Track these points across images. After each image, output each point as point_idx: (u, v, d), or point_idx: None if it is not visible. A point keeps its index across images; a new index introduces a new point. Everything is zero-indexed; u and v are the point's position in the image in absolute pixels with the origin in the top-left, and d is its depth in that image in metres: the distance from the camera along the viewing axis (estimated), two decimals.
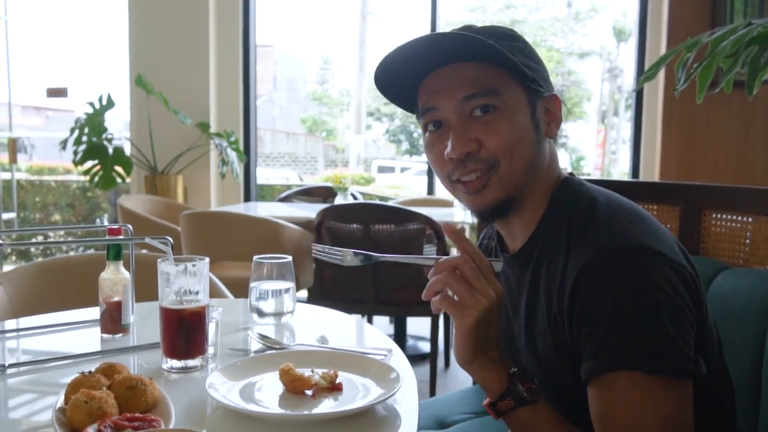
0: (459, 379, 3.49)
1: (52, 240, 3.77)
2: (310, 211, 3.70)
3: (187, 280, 1.09)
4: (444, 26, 5.20)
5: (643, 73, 1.72)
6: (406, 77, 0.98)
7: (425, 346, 3.81)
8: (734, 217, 1.45)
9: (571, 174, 1.03)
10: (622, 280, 0.85)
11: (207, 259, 1.11)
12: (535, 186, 0.99)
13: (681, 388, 0.83)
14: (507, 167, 0.94)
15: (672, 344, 0.82)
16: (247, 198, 5.06)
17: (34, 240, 3.91)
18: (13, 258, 6.97)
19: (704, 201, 1.49)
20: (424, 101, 0.97)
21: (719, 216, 1.47)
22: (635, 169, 4.55)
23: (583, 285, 0.87)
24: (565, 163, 11.42)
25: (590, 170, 11.59)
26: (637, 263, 0.85)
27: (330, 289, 3.03)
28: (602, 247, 0.87)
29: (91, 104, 4.51)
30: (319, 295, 3.04)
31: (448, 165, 0.96)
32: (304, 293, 3.38)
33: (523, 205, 0.99)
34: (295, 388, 0.98)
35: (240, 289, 1.90)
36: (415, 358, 3.56)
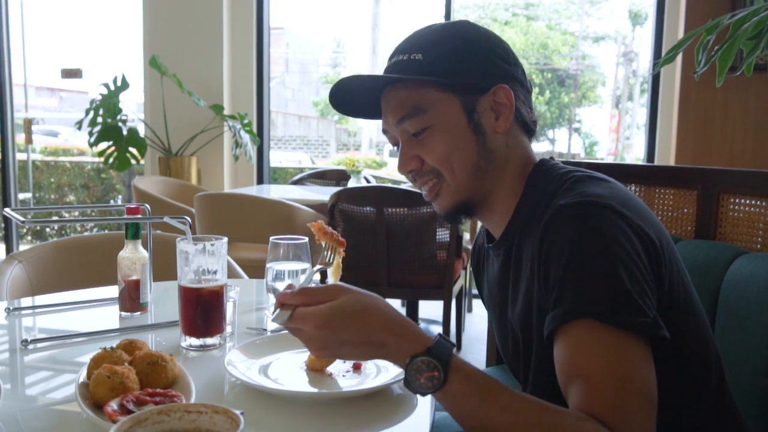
0: (471, 362, 3.51)
1: (71, 218, 3.80)
2: (323, 194, 3.71)
3: (205, 260, 1.10)
4: (457, 9, 5.15)
5: (662, 57, 1.71)
6: (363, 101, 1.06)
7: (437, 330, 3.83)
8: (752, 202, 1.44)
9: (545, 159, 1.05)
10: (578, 232, 0.86)
11: (225, 239, 1.12)
12: (497, 181, 1.02)
13: (637, 345, 0.80)
14: (450, 177, 1.00)
15: (627, 297, 0.81)
16: (260, 180, 5.07)
17: (49, 219, 3.95)
18: (29, 238, 7.05)
19: (722, 185, 1.48)
20: (382, 124, 1.05)
21: (737, 200, 1.46)
22: (650, 154, 4.52)
23: (546, 242, 0.88)
24: (578, 148, 11.33)
25: (603, 155, 11.52)
26: (595, 217, 0.86)
27: (343, 270, 3.04)
28: (563, 204, 0.89)
29: (106, 85, 4.52)
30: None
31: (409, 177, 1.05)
32: (316, 276, 3.40)
33: (490, 200, 1.03)
34: (321, 364, 1.00)
35: (253, 271, 1.91)
36: None
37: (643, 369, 0.80)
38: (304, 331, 0.84)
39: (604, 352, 0.79)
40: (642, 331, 0.81)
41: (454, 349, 0.83)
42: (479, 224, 1.22)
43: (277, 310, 0.85)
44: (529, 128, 1.05)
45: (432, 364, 0.80)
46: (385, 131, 1.05)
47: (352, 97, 1.05)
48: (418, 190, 1.08)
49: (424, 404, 0.92)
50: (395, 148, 1.05)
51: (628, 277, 0.82)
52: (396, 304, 4.20)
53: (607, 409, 0.77)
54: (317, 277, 1.03)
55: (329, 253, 1.02)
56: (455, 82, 0.97)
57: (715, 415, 1.00)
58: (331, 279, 0.99)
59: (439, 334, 0.84)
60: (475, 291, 4.71)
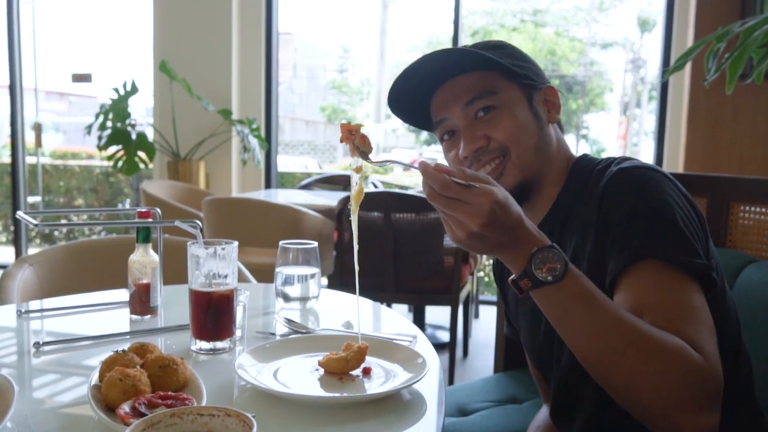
0: (477, 369, 3.50)
1: (83, 221, 3.81)
2: (331, 198, 3.72)
3: (216, 264, 1.11)
4: (466, 15, 5.16)
5: (670, 64, 1.71)
6: (413, 101, 1.12)
7: (444, 335, 3.83)
8: (762, 210, 1.43)
9: (586, 153, 1.14)
10: (638, 187, 0.95)
11: (236, 243, 1.13)
12: (549, 167, 1.09)
13: (696, 288, 0.88)
14: (516, 153, 1.06)
15: (687, 241, 0.90)
16: (268, 185, 5.09)
17: (60, 222, 3.96)
18: (38, 241, 7.09)
19: (732, 193, 1.48)
20: (436, 116, 1.11)
21: (747, 208, 1.46)
22: (659, 161, 4.51)
23: (606, 200, 0.97)
24: (620, 154, 11.32)
25: None
26: (652, 177, 0.96)
27: (350, 276, 3.05)
28: (620, 168, 0.99)
29: (116, 90, 4.56)
30: (339, 283, 3.06)
31: (465, 164, 1.07)
32: (324, 280, 3.41)
33: (541, 184, 1.09)
34: (337, 366, 1.00)
35: (261, 275, 1.92)
36: (434, 347, 3.57)
37: (704, 305, 0.88)
38: (470, 207, 0.82)
39: (674, 288, 0.87)
40: (699, 271, 0.88)
41: None
42: None
43: (452, 179, 0.83)
44: (563, 130, 1.17)
45: (556, 257, 0.85)
46: (441, 120, 1.10)
47: (413, 90, 1.10)
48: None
49: (434, 409, 0.92)
50: (445, 139, 1.11)
51: (687, 229, 0.91)
52: (403, 309, 4.20)
53: (684, 337, 0.83)
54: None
55: (355, 158, 0.96)
56: (522, 72, 1.07)
57: (743, 414, 1.02)
58: (352, 204, 0.96)
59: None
60: (482, 297, 4.70)
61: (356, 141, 0.95)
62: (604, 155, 1.14)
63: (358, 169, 0.96)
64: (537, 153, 1.07)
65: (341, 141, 0.95)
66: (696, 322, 0.85)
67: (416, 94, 1.11)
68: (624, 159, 1.04)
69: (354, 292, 1.56)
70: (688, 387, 0.82)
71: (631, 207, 0.93)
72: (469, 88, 1.06)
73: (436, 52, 1.05)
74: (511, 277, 0.89)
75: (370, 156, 0.95)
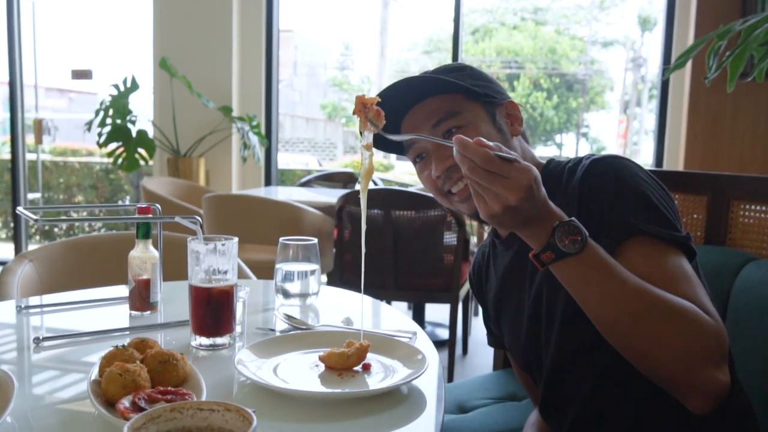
0: (477, 366, 3.51)
1: (84, 217, 3.81)
2: (331, 196, 3.72)
3: (216, 259, 1.11)
4: (466, 13, 5.16)
5: (671, 62, 1.71)
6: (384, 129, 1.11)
7: (443, 333, 3.83)
8: (762, 208, 1.43)
9: (551, 158, 1.17)
10: (614, 175, 1.01)
11: (236, 239, 1.13)
12: None
13: (686, 259, 0.96)
14: None
15: (666, 218, 0.97)
16: (268, 182, 5.09)
17: (61, 218, 3.97)
18: (37, 237, 7.08)
19: (732, 191, 1.48)
20: (406, 140, 1.15)
21: (747, 206, 1.46)
22: (659, 160, 4.51)
23: (585, 189, 1.02)
24: (585, 153, 11.32)
25: None
26: (622, 164, 1.03)
27: (350, 273, 3.05)
28: (593, 158, 1.05)
29: (116, 86, 4.55)
30: (339, 280, 3.06)
31: (438, 183, 1.12)
32: (323, 277, 3.41)
33: None
34: (338, 361, 1.00)
35: (261, 272, 1.92)
36: (434, 345, 3.57)
37: (692, 273, 0.95)
38: (509, 182, 0.86)
39: (664, 259, 0.94)
40: (682, 242, 0.96)
41: None
42: (485, 234, 1.26)
43: (496, 154, 0.86)
44: (527, 140, 1.22)
45: (577, 229, 0.89)
46: (410, 145, 1.15)
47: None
48: (427, 194, 1.09)
49: (434, 406, 0.92)
50: (418, 161, 1.15)
51: (661, 204, 0.98)
52: (402, 306, 4.20)
53: (689, 300, 0.89)
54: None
55: (366, 132, 0.97)
56: (482, 91, 1.12)
57: (729, 414, 1.00)
58: (362, 182, 0.97)
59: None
60: None
61: (370, 115, 0.95)
62: (603, 153, 1.15)
63: (368, 147, 0.98)
64: None
65: (354, 113, 0.97)
66: (695, 286, 0.93)
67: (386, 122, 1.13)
68: (591, 154, 1.08)
69: (354, 290, 1.56)
70: (705, 344, 0.88)
71: (612, 192, 0.99)
72: (435, 110, 1.11)
73: (400, 81, 1.10)
74: (532, 252, 0.92)
75: (388, 135, 0.98)
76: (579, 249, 0.89)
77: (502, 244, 1.20)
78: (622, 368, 0.94)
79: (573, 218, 0.91)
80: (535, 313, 1.10)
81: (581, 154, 1.13)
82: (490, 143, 0.88)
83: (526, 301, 1.12)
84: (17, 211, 1.20)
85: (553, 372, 1.10)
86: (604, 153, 1.08)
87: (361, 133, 0.99)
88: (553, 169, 1.13)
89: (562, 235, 0.90)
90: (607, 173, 1.02)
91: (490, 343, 1.41)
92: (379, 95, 1.07)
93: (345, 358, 1.00)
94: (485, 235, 1.35)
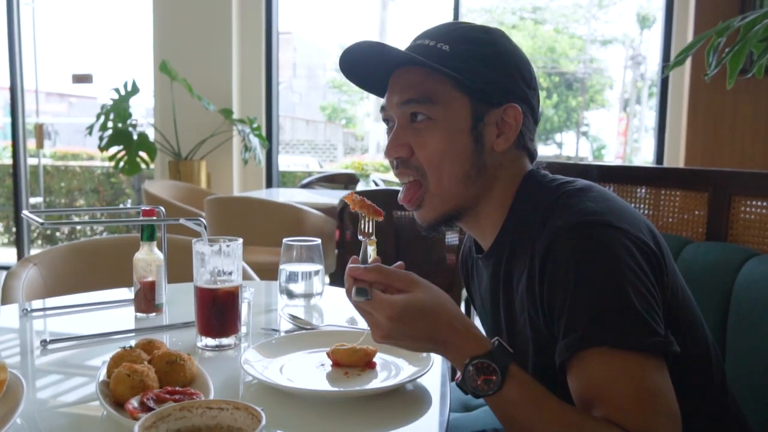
0: None
1: (88, 220, 3.81)
2: (332, 197, 3.72)
3: (221, 261, 1.11)
4: (465, 13, 5.17)
5: (671, 59, 1.71)
6: (368, 72, 1.00)
7: None
8: (764, 204, 1.44)
9: (534, 170, 1.01)
10: (583, 257, 0.83)
11: (240, 240, 1.13)
12: (485, 195, 0.98)
13: (654, 364, 0.80)
14: (435, 183, 0.95)
15: (638, 318, 0.80)
16: (269, 184, 5.09)
17: (67, 221, 3.97)
18: (39, 242, 7.09)
19: (733, 187, 1.48)
20: (385, 97, 1.00)
21: (748, 202, 1.46)
22: (659, 157, 4.51)
23: (548, 267, 0.86)
24: (586, 151, 11.31)
25: (611, 158, 11.48)
26: (596, 238, 0.84)
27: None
28: (562, 226, 0.86)
29: (117, 90, 4.56)
30: (342, 280, 3.06)
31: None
32: (326, 279, 3.41)
33: (475, 211, 0.99)
34: (345, 357, 1.01)
35: (263, 273, 1.93)
36: None
37: (664, 387, 0.80)
38: (374, 317, 0.84)
39: (625, 376, 0.79)
40: (656, 350, 0.80)
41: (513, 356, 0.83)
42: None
43: (355, 288, 0.84)
44: (531, 155, 1.01)
45: (491, 368, 0.80)
46: (383, 108, 1.00)
47: (363, 64, 0.99)
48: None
49: (440, 403, 0.93)
50: (387, 125, 1.01)
51: (637, 297, 0.81)
52: None
53: (637, 428, 0.76)
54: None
55: (366, 220, 0.95)
56: (474, 85, 0.93)
57: (719, 427, 0.98)
58: (371, 251, 0.96)
59: (498, 339, 0.84)
60: None
61: (367, 213, 0.94)
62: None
63: (372, 242, 0.94)
64: (465, 182, 0.95)
65: (353, 209, 0.95)
66: (651, 410, 0.78)
67: (370, 67, 0.99)
68: (568, 197, 0.91)
69: None
70: None
71: (575, 282, 0.82)
72: (411, 85, 0.95)
73: (379, 45, 0.94)
74: (455, 379, 0.85)
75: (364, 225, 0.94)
76: (494, 389, 0.80)
77: (480, 259, 1.06)
78: None
79: (491, 351, 0.81)
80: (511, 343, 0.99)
81: (561, 179, 0.97)
82: (368, 270, 0.83)
83: (505, 332, 1.02)
84: (22, 215, 1.21)
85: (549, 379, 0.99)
86: (582, 209, 0.87)
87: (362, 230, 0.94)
88: (529, 192, 0.97)
89: (474, 374, 0.80)
90: (574, 253, 0.84)
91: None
92: (361, 43, 0.95)
93: (352, 352, 1.01)
94: None
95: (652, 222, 1.56)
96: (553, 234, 0.86)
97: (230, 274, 1.13)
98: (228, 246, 1.12)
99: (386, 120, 1.00)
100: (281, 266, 1.40)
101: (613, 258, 0.82)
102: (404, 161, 0.96)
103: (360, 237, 0.93)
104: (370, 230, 0.94)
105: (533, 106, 0.99)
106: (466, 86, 0.93)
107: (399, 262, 0.92)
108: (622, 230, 0.84)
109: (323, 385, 0.98)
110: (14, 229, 6.01)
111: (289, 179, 7.67)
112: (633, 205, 1.61)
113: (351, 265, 0.86)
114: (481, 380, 0.80)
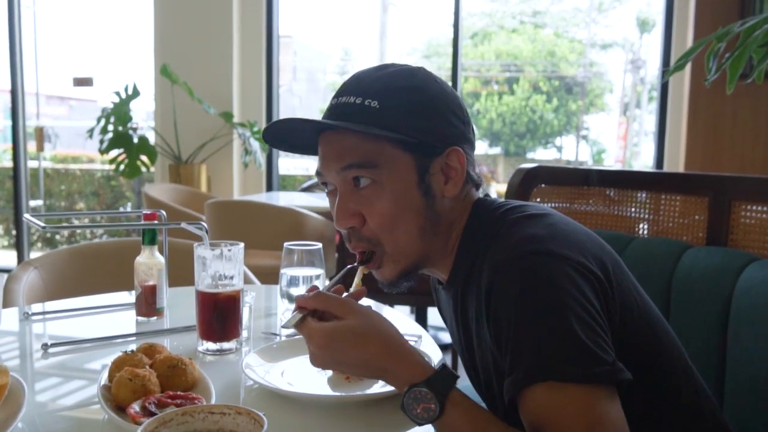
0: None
1: (90, 224, 3.82)
2: None
3: (222, 265, 1.12)
4: (465, 17, 5.17)
5: (670, 64, 1.72)
6: (296, 135, 0.96)
7: (446, 337, 3.83)
8: (764, 208, 1.44)
9: (481, 199, 0.99)
10: (522, 290, 0.81)
11: (242, 245, 1.14)
12: (441, 241, 0.96)
13: (602, 394, 0.77)
14: (391, 245, 0.93)
15: (582, 348, 0.77)
16: (270, 188, 5.10)
17: (68, 224, 3.98)
18: (39, 245, 7.09)
19: (734, 192, 1.48)
20: (318, 162, 0.95)
21: (749, 207, 1.46)
22: (659, 162, 4.52)
23: (492, 304, 0.84)
24: (585, 155, 11.33)
25: (611, 162, 11.50)
26: (536, 269, 0.82)
27: (353, 279, 3.05)
28: (501, 260, 0.84)
29: (117, 94, 4.57)
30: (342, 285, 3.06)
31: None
32: (326, 283, 3.41)
33: (434, 259, 0.98)
34: None
35: (264, 277, 1.93)
36: None
37: (612, 413, 0.77)
38: (309, 345, 0.86)
39: (571, 408, 0.76)
40: (604, 379, 0.77)
41: (456, 381, 0.81)
42: None
43: (293, 313, 0.86)
44: (477, 184, 0.99)
45: (429, 396, 0.79)
46: (319, 173, 0.96)
47: (289, 133, 0.96)
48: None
49: None
50: (326, 188, 0.98)
51: (581, 327, 0.78)
52: (405, 310, 4.20)
53: None
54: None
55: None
56: (414, 140, 0.89)
57: None
58: (357, 280, 0.97)
59: (444, 364, 0.83)
60: None
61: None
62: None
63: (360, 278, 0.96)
64: (422, 237, 0.93)
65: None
66: None
67: (297, 131, 0.95)
68: (510, 227, 0.89)
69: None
70: None
71: (516, 317, 0.80)
72: (349, 150, 0.90)
73: (301, 120, 0.90)
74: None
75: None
76: (433, 417, 0.79)
77: (443, 289, 1.05)
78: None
79: (430, 378, 0.80)
80: (479, 368, 1.00)
81: (508, 204, 0.95)
82: (309, 297, 0.85)
83: (474, 352, 1.00)
84: (24, 219, 1.22)
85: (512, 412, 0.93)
86: (518, 247, 0.85)
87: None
88: (475, 224, 0.96)
89: (412, 401, 0.80)
90: (514, 288, 0.82)
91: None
92: (275, 124, 0.92)
93: None
94: None
95: (651, 226, 1.57)
96: (493, 269, 0.85)
97: (231, 278, 1.13)
98: (229, 250, 1.12)
99: (324, 184, 0.97)
100: (282, 270, 1.40)
101: (554, 288, 0.80)
102: (356, 233, 0.94)
103: (348, 266, 0.95)
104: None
105: (471, 140, 0.96)
106: (406, 143, 0.89)
107: (339, 286, 0.92)
108: (563, 257, 0.83)
109: (325, 389, 0.98)
110: (14, 232, 6.01)
111: (290, 183, 7.67)
112: (633, 209, 1.61)
113: (297, 295, 0.88)
114: (420, 408, 0.80)
